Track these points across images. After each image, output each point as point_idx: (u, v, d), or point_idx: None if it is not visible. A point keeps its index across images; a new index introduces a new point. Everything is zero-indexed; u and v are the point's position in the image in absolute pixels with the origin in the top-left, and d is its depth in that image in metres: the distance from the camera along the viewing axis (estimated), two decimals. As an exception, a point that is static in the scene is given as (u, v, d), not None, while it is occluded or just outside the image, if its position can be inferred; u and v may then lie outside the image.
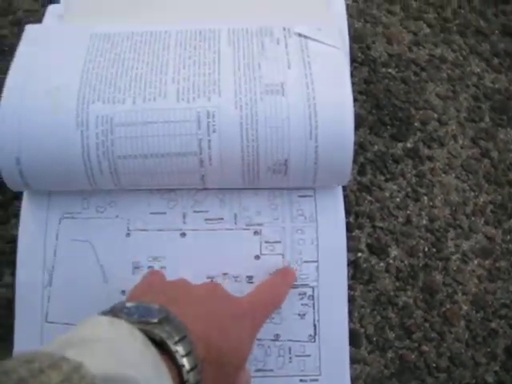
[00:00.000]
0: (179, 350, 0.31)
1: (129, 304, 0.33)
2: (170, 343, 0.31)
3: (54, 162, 0.45)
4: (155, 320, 0.32)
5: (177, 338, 0.31)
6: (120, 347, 0.28)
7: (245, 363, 0.39)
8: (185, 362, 0.31)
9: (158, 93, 0.46)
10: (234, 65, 0.48)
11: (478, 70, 0.65)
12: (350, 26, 0.65)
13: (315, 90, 0.46)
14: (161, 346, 0.31)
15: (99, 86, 0.47)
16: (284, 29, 0.51)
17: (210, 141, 0.45)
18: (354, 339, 0.54)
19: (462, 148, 0.61)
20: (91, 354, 0.26)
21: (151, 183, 0.47)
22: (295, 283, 0.49)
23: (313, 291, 0.49)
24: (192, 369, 0.31)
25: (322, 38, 0.49)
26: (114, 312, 0.32)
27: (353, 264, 0.56)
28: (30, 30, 0.51)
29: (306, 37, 0.50)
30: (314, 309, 0.49)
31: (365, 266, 0.57)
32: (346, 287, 0.49)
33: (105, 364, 0.26)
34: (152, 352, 0.29)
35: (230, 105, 0.46)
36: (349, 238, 0.54)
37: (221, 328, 0.36)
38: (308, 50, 0.49)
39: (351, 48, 0.63)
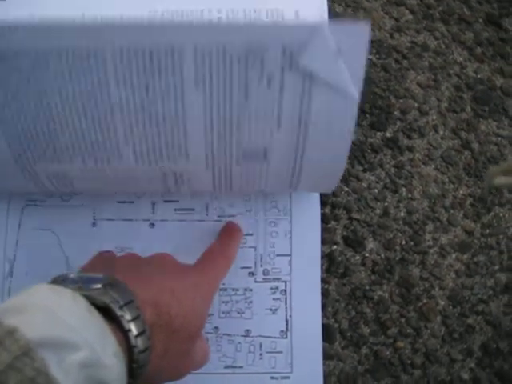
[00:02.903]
0: (125, 314, 0.31)
1: (72, 275, 0.33)
2: (114, 308, 0.31)
3: None
4: (99, 286, 0.32)
5: (122, 303, 0.31)
6: (60, 312, 0.27)
7: (200, 331, 0.39)
8: (132, 326, 0.31)
9: (112, 155, 0.38)
10: (204, 122, 0.36)
11: (461, 58, 0.65)
12: (330, 11, 0.65)
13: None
14: (107, 313, 0.31)
15: (34, 149, 0.38)
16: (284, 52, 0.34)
17: (178, 187, 0.43)
18: (327, 334, 0.54)
19: (442, 139, 0.62)
20: (29, 320, 0.26)
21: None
22: (267, 277, 0.49)
23: (285, 286, 0.49)
24: (140, 334, 0.31)
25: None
26: (57, 283, 0.32)
27: (328, 257, 0.56)
28: None
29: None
30: (286, 304, 0.49)
31: (340, 258, 0.57)
32: (319, 282, 0.50)
33: (42, 328, 0.26)
34: (95, 317, 0.29)
35: (201, 167, 0.39)
36: (324, 230, 0.54)
37: (172, 293, 0.36)
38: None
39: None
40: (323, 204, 0.55)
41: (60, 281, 0.32)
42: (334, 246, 0.57)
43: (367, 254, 0.57)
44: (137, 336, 0.31)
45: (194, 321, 0.38)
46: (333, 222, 0.58)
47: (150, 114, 0.36)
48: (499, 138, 0.62)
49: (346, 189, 0.59)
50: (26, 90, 0.34)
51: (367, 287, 0.57)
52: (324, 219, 0.56)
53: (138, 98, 0.35)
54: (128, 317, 0.31)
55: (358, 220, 0.58)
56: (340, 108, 0.35)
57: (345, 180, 0.59)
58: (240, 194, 0.47)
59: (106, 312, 0.31)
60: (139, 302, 0.33)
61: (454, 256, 0.58)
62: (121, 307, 0.31)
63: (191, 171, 0.40)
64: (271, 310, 0.49)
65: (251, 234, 0.49)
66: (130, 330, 0.31)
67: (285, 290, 0.49)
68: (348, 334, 0.55)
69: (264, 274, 0.49)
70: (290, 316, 0.49)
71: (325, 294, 0.55)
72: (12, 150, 0.38)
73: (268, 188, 0.43)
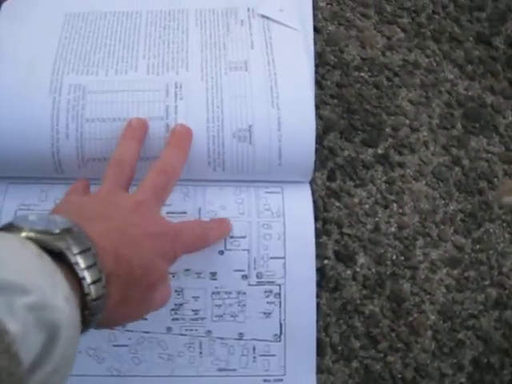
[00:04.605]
0: (80, 262, 0.32)
1: (32, 217, 0.33)
2: (68, 254, 0.31)
3: (21, 130, 0.49)
4: (57, 231, 0.32)
5: (77, 250, 0.32)
6: (6, 257, 0.28)
7: (158, 283, 0.40)
8: (86, 274, 0.32)
9: (130, 67, 0.54)
10: (201, 44, 0.56)
11: (452, 76, 0.68)
12: (323, 29, 0.68)
13: (276, 67, 0.53)
14: (63, 260, 0.31)
15: (74, 59, 0.54)
16: (248, 9, 0.60)
17: (176, 107, 0.51)
18: (318, 348, 0.55)
19: (433, 155, 0.64)
20: None
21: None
22: (261, 280, 0.51)
23: (279, 289, 0.51)
24: (94, 282, 0.32)
25: (283, 20, 0.57)
26: (16, 223, 0.32)
27: (319, 271, 0.57)
28: (8, 6, 0.57)
29: (268, 18, 0.59)
30: (280, 307, 0.50)
31: (331, 273, 0.58)
32: (314, 285, 0.51)
33: None
34: (46, 262, 0.30)
35: (197, 78, 0.54)
36: (316, 245, 0.55)
37: (134, 244, 0.37)
38: (270, 31, 0.58)
39: (324, 51, 0.66)
40: (315, 219, 0.56)
41: (19, 222, 0.32)
42: (325, 261, 0.58)
43: (358, 269, 0.59)
44: (91, 284, 0.32)
45: (152, 274, 0.39)
46: (324, 237, 0.59)
47: (163, 40, 0.57)
48: (489, 155, 0.64)
49: (338, 204, 0.61)
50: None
51: (358, 302, 0.58)
52: (315, 234, 0.58)
53: (157, 32, 0.58)
54: (82, 264, 0.32)
55: (349, 235, 0.60)
56: (292, 36, 0.57)
57: (336, 195, 0.61)
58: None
59: (61, 258, 0.31)
60: (99, 250, 0.34)
61: (444, 271, 0.60)
62: (75, 254, 0.32)
63: (189, 81, 0.53)
64: (265, 313, 0.50)
65: (244, 237, 0.51)
66: (84, 278, 0.32)
67: (279, 294, 0.50)
68: (339, 348, 0.56)
69: (258, 277, 0.50)
70: (284, 320, 0.50)
71: (316, 308, 0.56)
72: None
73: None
